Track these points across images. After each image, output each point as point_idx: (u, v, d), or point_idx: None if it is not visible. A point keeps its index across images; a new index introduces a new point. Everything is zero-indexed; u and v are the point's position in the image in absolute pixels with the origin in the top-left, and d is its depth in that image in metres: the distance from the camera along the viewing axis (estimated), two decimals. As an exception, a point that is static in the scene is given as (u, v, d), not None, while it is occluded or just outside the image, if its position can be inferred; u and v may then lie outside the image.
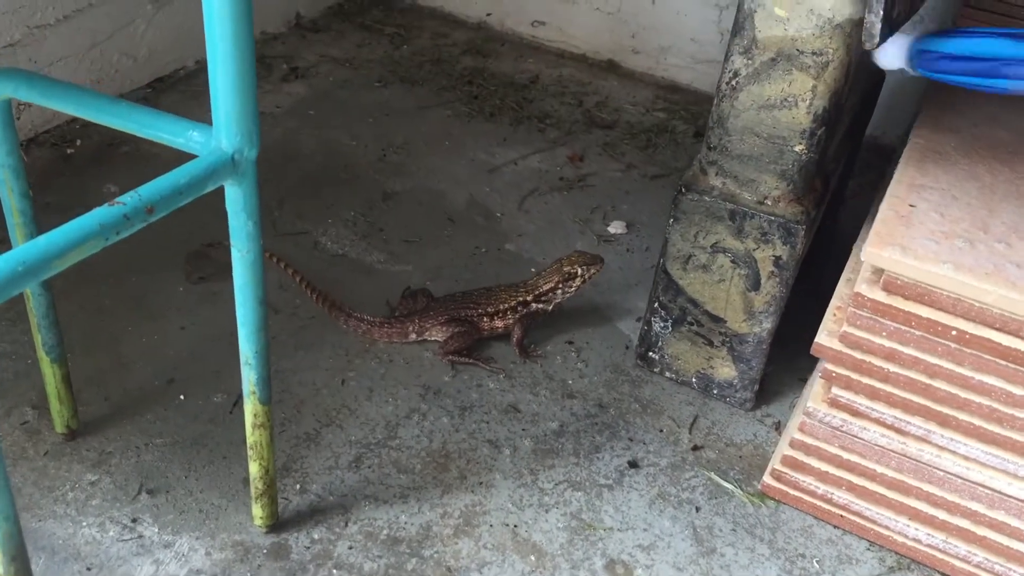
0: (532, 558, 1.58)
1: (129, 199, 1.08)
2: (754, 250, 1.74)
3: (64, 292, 1.96)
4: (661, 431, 1.85)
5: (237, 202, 1.23)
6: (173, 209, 1.13)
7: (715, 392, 1.90)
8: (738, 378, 1.87)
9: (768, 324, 1.80)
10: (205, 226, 2.18)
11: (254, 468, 1.49)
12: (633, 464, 1.77)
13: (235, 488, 1.64)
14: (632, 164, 2.71)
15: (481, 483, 1.70)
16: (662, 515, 1.68)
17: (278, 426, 1.76)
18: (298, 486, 1.65)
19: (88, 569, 1.48)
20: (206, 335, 1.94)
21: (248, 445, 1.47)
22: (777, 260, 1.73)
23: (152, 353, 1.88)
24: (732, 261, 1.76)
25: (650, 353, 1.92)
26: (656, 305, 1.87)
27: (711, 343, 1.85)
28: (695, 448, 1.81)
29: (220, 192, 1.24)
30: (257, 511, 1.54)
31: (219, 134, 1.18)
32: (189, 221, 2.08)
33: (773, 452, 1.81)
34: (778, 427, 1.88)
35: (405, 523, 1.61)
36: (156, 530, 1.55)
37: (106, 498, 1.59)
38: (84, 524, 1.54)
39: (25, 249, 0.99)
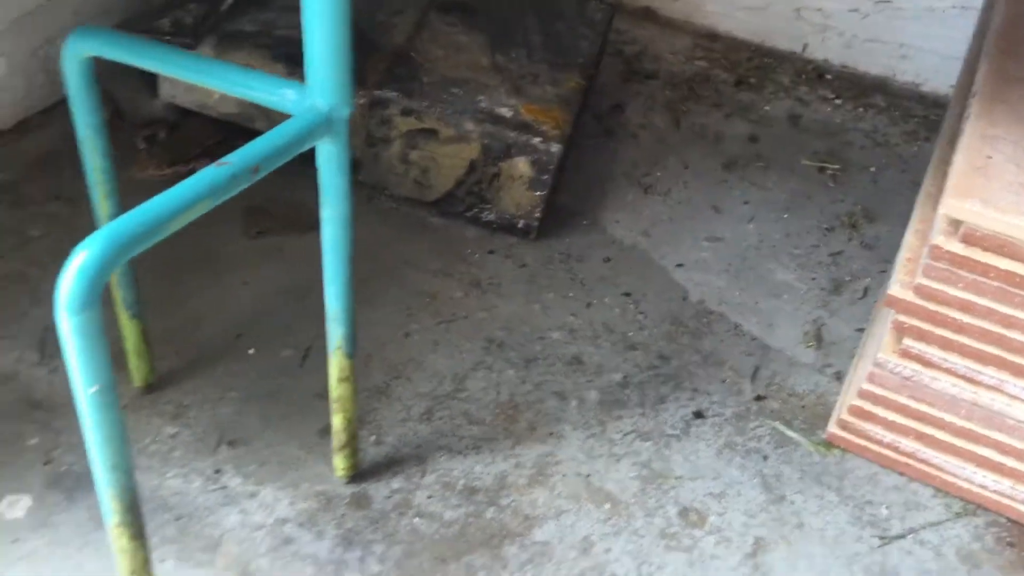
0: (607, 506, 1.61)
1: (235, 159, 1.09)
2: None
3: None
4: (723, 382, 1.87)
5: (331, 161, 1.23)
6: (274, 168, 1.14)
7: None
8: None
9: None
10: (258, 185, 2.19)
11: (337, 421, 1.51)
12: (698, 414, 1.80)
13: (312, 440, 1.67)
14: (674, 115, 2.70)
15: (551, 434, 1.73)
16: (730, 464, 1.71)
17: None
18: (373, 438, 1.68)
19: (177, 519, 1.51)
20: (269, 290, 1.96)
21: (331, 399, 1.49)
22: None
23: (218, 308, 1.90)
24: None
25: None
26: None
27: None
28: (758, 398, 1.84)
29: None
30: (339, 462, 1.57)
31: (314, 93, 1.18)
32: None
33: (835, 402, 1.83)
34: (839, 377, 1.90)
35: (480, 473, 1.65)
36: (239, 480, 1.58)
37: (188, 450, 1.62)
38: (169, 475, 1.58)
39: (143, 210, 1.01)
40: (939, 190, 1.76)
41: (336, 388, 1.47)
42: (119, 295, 1.56)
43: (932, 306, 1.53)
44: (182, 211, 1.02)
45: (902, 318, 1.57)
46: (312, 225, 2.16)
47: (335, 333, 1.41)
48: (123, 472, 1.11)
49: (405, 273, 2.03)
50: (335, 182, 1.25)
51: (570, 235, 2.21)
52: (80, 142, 1.38)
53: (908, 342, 1.58)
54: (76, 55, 1.29)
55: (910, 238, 1.69)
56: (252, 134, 2.20)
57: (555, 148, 2.04)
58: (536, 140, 2.04)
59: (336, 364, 1.44)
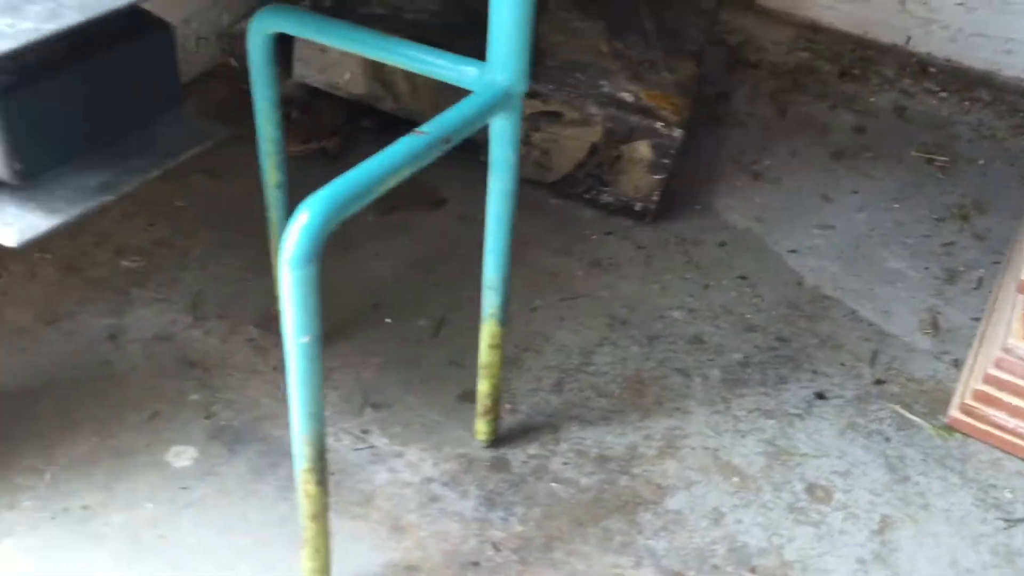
0: (735, 479, 1.67)
1: (430, 129, 1.16)
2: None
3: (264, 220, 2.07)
4: (843, 365, 1.91)
5: (504, 135, 1.30)
6: (461, 140, 1.21)
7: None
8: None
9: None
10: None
11: (483, 386, 1.59)
12: (820, 395, 1.84)
13: (450, 405, 1.75)
14: (779, 105, 2.73)
15: (677, 409, 1.79)
16: (853, 444, 1.75)
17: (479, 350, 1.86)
18: (508, 406, 1.75)
19: (331, 475, 1.60)
20: (399, 263, 2.04)
21: (480, 364, 1.57)
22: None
23: (354, 280, 1.98)
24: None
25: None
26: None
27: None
28: (878, 382, 1.87)
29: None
30: (481, 426, 1.64)
31: (494, 69, 1.25)
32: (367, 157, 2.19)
33: (954, 388, 1.86)
34: (957, 364, 1.93)
35: (611, 443, 1.71)
36: (386, 441, 1.67)
37: (336, 410, 1.71)
38: (320, 434, 1.67)
39: (355, 174, 1.08)
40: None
41: (485, 354, 1.54)
42: (276, 263, 1.65)
43: (1068, 293, 1.56)
44: (388, 175, 1.09)
45: (1036, 305, 1.60)
46: (437, 203, 2.26)
47: (491, 301, 1.48)
48: (317, 421, 1.19)
49: (527, 252, 2.09)
50: (506, 155, 1.32)
51: (684, 219, 2.26)
52: (256, 113, 1.47)
53: (1041, 329, 1.61)
54: (261, 31, 1.38)
55: (1041, 227, 1.71)
56: (379, 113, 2.32)
57: (677, 133, 2.09)
58: (659, 125, 2.09)
59: (488, 331, 1.51)
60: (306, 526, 1.30)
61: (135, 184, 1.09)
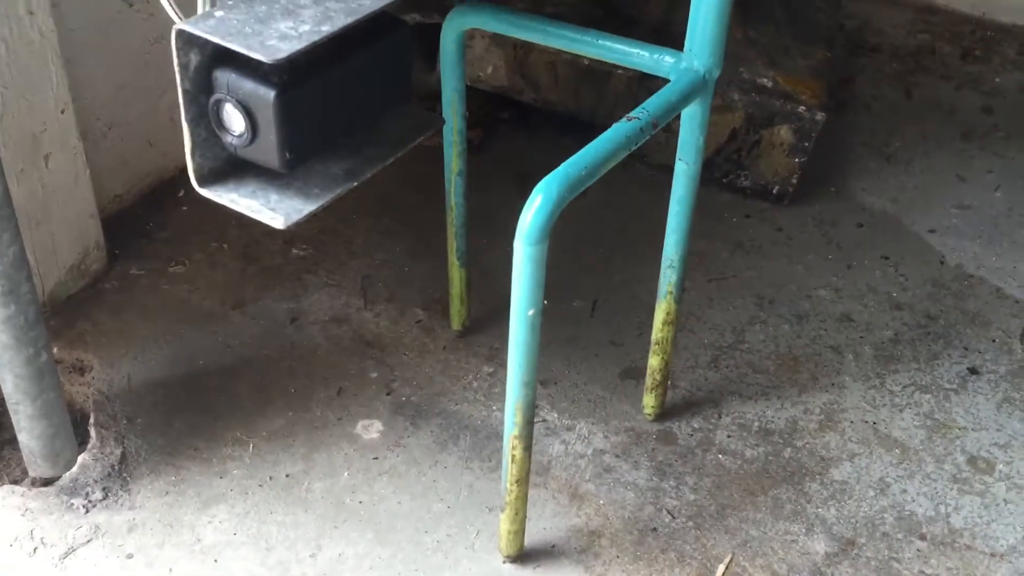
0: (897, 451, 1.71)
1: (640, 115, 1.23)
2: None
3: (416, 209, 2.18)
4: (993, 341, 1.94)
5: (695, 119, 1.37)
6: (665, 123, 1.28)
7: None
8: None
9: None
10: (526, 151, 2.36)
11: (655, 361, 1.66)
12: (973, 371, 1.87)
13: (613, 382, 1.82)
14: (904, 87, 2.74)
15: (833, 384, 1.84)
16: (1011, 417, 1.78)
17: (635, 330, 1.93)
18: (668, 383, 1.82)
19: (508, 446, 1.69)
20: (549, 248, 2.11)
21: (653, 340, 1.64)
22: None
23: (506, 264, 2.06)
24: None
25: None
26: None
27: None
28: (1030, 357, 1.90)
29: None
30: (648, 400, 1.71)
31: (691, 57, 1.32)
32: (509, 146, 2.30)
33: (1108, 363, 1.88)
34: (1109, 340, 1.95)
35: (772, 417, 1.77)
36: (556, 415, 1.75)
37: (505, 386, 1.80)
38: (495, 408, 1.76)
39: (579, 159, 1.16)
40: None
41: (660, 330, 1.61)
42: (453, 245, 1.75)
43: None
44: (608, 158, 1.17)
45: None
46: (581, 192, 2.33)
47: (668, 279, 1.56)
48: (531, 389, 1.28)
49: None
50: (695, 139, 1.38)
51: (819, 201, 2.30)
52: (444, 104, 1.56)
53: None
54: (456, 27, 1.47)
55: None
56: (516, 105, 2.40)
57: (819, 116, 2.13)
58: (801, 108, 2.14)
59: (664, 308, 1.58)
60: (509, 490, 1.39)
61: (374, 171, 1.19)
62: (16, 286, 1.30)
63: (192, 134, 1.11)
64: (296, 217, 1.10)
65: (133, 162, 2.11)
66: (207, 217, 2.16)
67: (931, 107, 2.67)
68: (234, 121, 1.08)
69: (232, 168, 1.15)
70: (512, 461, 1.35)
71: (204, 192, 1.14)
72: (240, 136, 1.09)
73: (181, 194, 2.20)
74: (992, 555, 1.56)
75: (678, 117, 1.37)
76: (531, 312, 1.19)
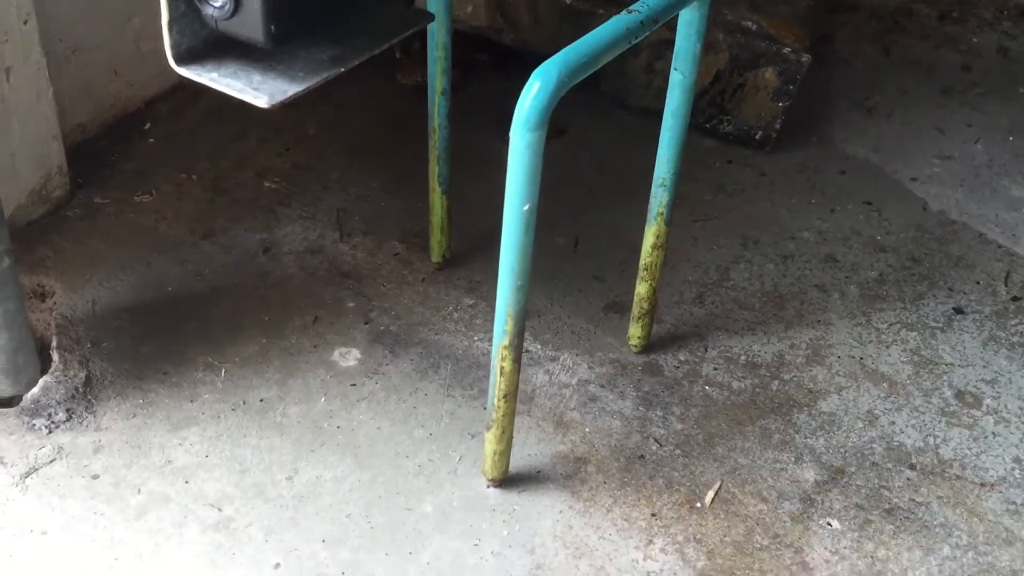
0: (884, 385, 1.69)
1: (640, 8, 1.19)
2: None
3: (392, 147, 2.12)
4: (977, 283, 1.92)
5: (692, 26, 1.33)
6: (665, 21, 1.24)
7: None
8: None
9: None
10: (505, 92, 2.31)
11: (642, 288, 1.62)
12: (959, 310, 1.86)
13: (597, 315, 1.78)
14: (882, 45, 2.73)
15: (819, 321, 1.81)
16: (997, 355, 1.77)
17: (617, 266, 1.89)
18: (655, 313, 1.78)
19: (489, 375, 1.64)
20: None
21: (641, 267, 1.60)
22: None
23: (489, 201, 2.00)
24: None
25: None
26: None
27: None
28: (1015, 299, 1.89)
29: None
30: (635, 330, 1.67)
31: (690, -43, 1.27)
32: (488, 87, 2.24)
33: (1091, 304, 1.88)
34: (1091, 283, 1.94)
35: (758, 351, 1.74)
36: (539, 347, 1.70)
37: (487, 318, 1.75)
38: (476, 339, 1.70)
39: (579, 47, 1.11)
40: None
41: (648, 255, 1.57)
42: (435, 170, 1.69)
43: None
44: (607, 49, 1.12)
45: None
46: (559, 132, 2.29)
47: (659, 199, 1.51)
48: (523, 294, 1.23)
49: (652, 176, 2.12)
50: (691, 47, 1.34)
51: (802, 149, 2.27)
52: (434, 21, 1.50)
53: None
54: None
55: None
56: (496, 47, 2.35)
57: (804, 58, 2.11)
58: (786, 50, 2.11)
59: (653, 231, 1.54)
60: (496, 406, 1.34)
61: (360, 59, 1.13)
62: (-23, 180, 1.22)
63: (170, 7, 1.05)
64: (280, 98, 1.04)
65: (97, 90, 2.02)
66: (175, 150, 2.09)
67: (910, 64, 2.66)
68: (217, -11, 1.02)
69: (212, 49, 1.09)
70: (501, 374, 1.30)
71: (182, 71, 1.08)
72: (222, 7, 1.02)
73: (147, 127, 2.11)
74: (982, 485, 1.54)
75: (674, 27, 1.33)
76: (526, 207, 1.14)
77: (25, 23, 1.67)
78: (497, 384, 1.31)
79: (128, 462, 1.43)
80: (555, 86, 1.06)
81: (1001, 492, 1.53)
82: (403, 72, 2.31)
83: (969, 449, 1.59)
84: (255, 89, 1.05)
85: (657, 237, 1.54)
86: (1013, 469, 1.57)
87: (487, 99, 2.30)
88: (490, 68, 2.41)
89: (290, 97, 1.06)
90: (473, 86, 2.36)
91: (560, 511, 1.44)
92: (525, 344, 1.69)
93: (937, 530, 1.46)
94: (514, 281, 1.21)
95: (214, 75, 1.07)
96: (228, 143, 2.09)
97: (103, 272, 1.75)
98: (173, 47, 1.06)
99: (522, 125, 1.06)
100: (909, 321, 1.83)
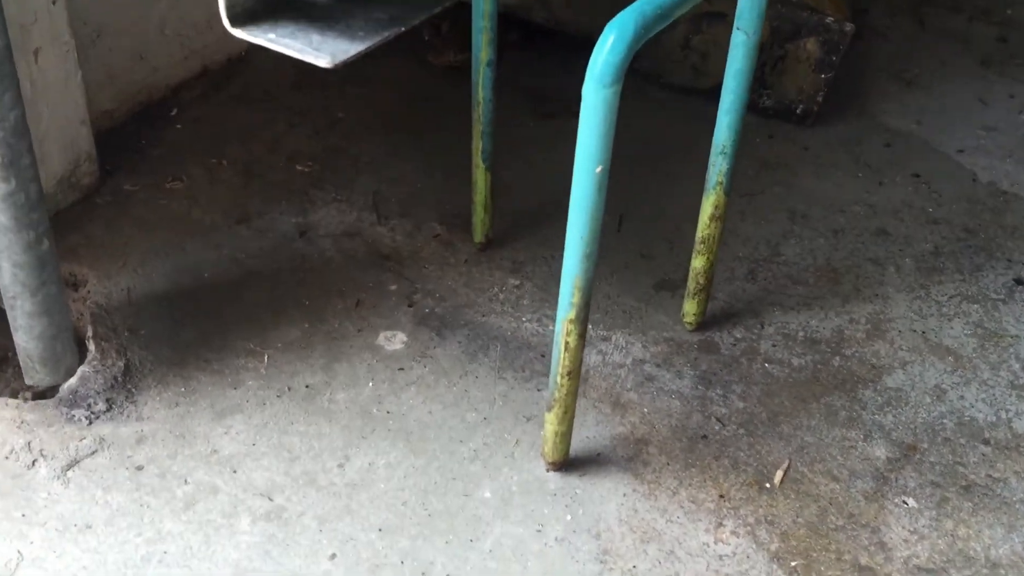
0: (950, 359, 1.63)
1: (710, -41, 1.13)
2: None
3: (424, 129, 2.07)
4: (1035, 253, 1.87)
5: (755, -17, 1.27)
6: (731, -25, 1.18)
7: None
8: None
9: None
10: (537, 72, 2.26)
11: (699, 262, 1.56)
12: (1020, 281, 1.79)
13: (647, 294, 1.72)
14: (917, 18, 2.67)
15: (876, 295, 1.75)
16: (1062, 325, 1.71)
17: (664, 243, 1.83)
18: (711, 288, 1.72)
19: (542, 356, 1.58)
20: (567, 164, 2.00)
21: (698, 239, 1.54)
22: None
23: (527, 181, 1.96)
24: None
25: None
26: None
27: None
28: (1075, 268, 1.83)
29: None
30: (690, 307, 1.61)
31: (755, -92, 1.22)
32: (519, 67, 2.19)
33: None
34: None
35: (817, 327, 1.68)
36: (590, 327, 1.64)
37: (534, 299, 1.69)
38: (524, 319, 1.64)
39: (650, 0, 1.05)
40: None
41: (706, 227, 1.51)
42: (479, 145, 1.63)
43: None
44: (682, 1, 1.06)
45: None
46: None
47: (718, 167, 1.46)
48: (592, 262, 1.17)
49: (693, 154, 2.05)
50: (756, 6, 1.28)
51: (843, 123, 2.21)
52: (477, -13, 1.45)
53: None
54: None
55: None
56: (526, 26, 2.29)
57: (848, 28, 2.04)
58: (829, 20, 2.05)
59: (712, 201, 1.48)
60: (559, 384, 1.28)
61: (420, 19, 1.08)
62: (17, 157, 1.16)
63: (223, -38, 0.99)
64: (343, 57, 0.99)
65: (123, 76, 1.96)
66: (204, 135, 2.03)
67: (946, 37, 2.59)
68: (274, -61, 0.97)
69: (268, 8, 1.03)
70: (565, 350, 1.24)
71: (238, 33, 1.02)
72: (279, -41, 0.97)
73: (174, 112, 2.05)
74: (1058, 459, 1.49)
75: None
76: (599, 169, 1.08)
77: (54, 3, 1.61)
78: (561, 360, 1.25)
79: (173, 452, 1.38)
80: (632, 38, 1.00)
81: (1080, 466, 1.47)
82: (433, 52, 2.25)
83: (1043, 422, 1.54)
84: (316, 49, 1.00)
85: (716, 208, 1.48)
86: (1090, 442, 1.51)
87: (519, 78, 2.24)
88: (520, 47, 2.35)
89: (352, 56, 1.00)
90: (504, 67, 2.29)
91: (624, 494, 1.38)
92: (575, 324, 1.64)
93: (1018, 506, 1.40)
94: (583, 249, 1.15)
95: (272, 35, 1.01)
96: (257, 127, 2.03)
97: (137, 259, 1.69)
98: (229, 7, 1.01)
99: (596, 80, 1.00)
100: (969, 293, 1.76)
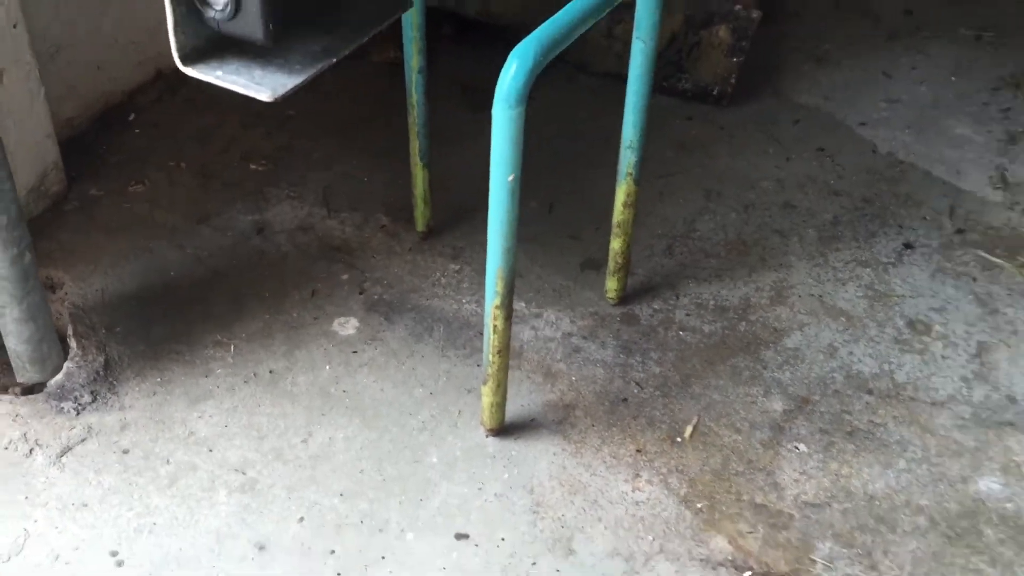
0: (842, 319, 1.83)
1: (603, -11, 1.29)
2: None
3: (371, 125, 2.22)
4: (925, 219, 2.07)
5: (649, -2, 1.44)
6: None
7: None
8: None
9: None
10: (471, 64, 2.41)
11: (616, 244, 1.74)
12: (908, 245, 2.00)
13: (575, 272, 1.91)
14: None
15: (780, 264, 1.95)
16: (944, 285, 1.92)
17: (591, 225, 2.01)
18: (629, 266, 1.90)
19: (480, 334, 1.76)
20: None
21: (614, 223, 1.72)
22: None
23: (463, 172, 2.12)
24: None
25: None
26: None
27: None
28: (959, 231, 2.03)
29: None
30: (611, 284, 1.80)
31: (644, -63, 1.38)
32: (454, 60, 2.34)
33: (1029, 232, 2.03)
34: (1028, 212, 2.09)
35: (726, 296, 1.87)
36: (523, 305, 1.83)
37: (472, 282, 1.87)
38: (464, 301, 1.82)
39: (551, 26, 1.22)
40: None
41: (620, 213, 1.69)
42: (416, 145, 1.79)
43: None
44: (579, 23, 1.23)
45: (1114, 140, 1.75)
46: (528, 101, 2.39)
47: (627, 160, 1.63)
48: (511, 255, 1.35)
49: (617, 138, 2.24)
50: (651, 17, 1.45)
51: (757, 102, 2.40)
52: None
53: (1117, 162, 1.77)
54: (412, -77, 1.50)
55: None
56: (459, 20, 2.44)
57: (755, 15, 2.22)
58: (737, 8, 2.22)
59: (624, 190, 1.66)
60: (491, 361, 1.47)
61: (350, 48, 1.23)
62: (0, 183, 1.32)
63: (175, 11, 1.14)
64: (282, 91, 1.15)
65: (82, 86, 2.10)
66: (161, 139, 2.17)
67: (857, 13, 2.78)
68: (218, -5, 1.12)
69: (214, 47, 1.19)
70: (494, 331, 1.43)
71: (188, 71, 1.17)
72: (223, 9, 1.12)
73: (132, 118, 2.20)
74: (933, 404, 1.69)
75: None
76: (511, 177, 1.25)
77: (15, 27, 1.75)
78: (491, 341, 1.44)
79: (154, 436, 1.55)
80: (532, 65, 1.17)
81: (950, 409, 1.68)
82: (376, 50, 2.40)
83: (921, 372, 1.75)
84: (258, 84, 1.15)
85: (628, 195, 1.67)
86: (961, 388, 1.72)
87: (453, 71, 2.39)
88: (455, 40, 2.50)
89: (290, 90, 1.16)
90: (438, 60, 2.45)
91: (554, 453, 1.58)
92: (510, 303, 1.82)
93: (894, 447, 1.62)
94: (502, 244, 1.33)
95: (219, 73, 1.16)
96: (212, 128, 2.18)
97: (107, 261, 1.84)
98: (179, 49, 1.16)
99: (503, 102, 1.17)
100: (863, 259, 1.97)
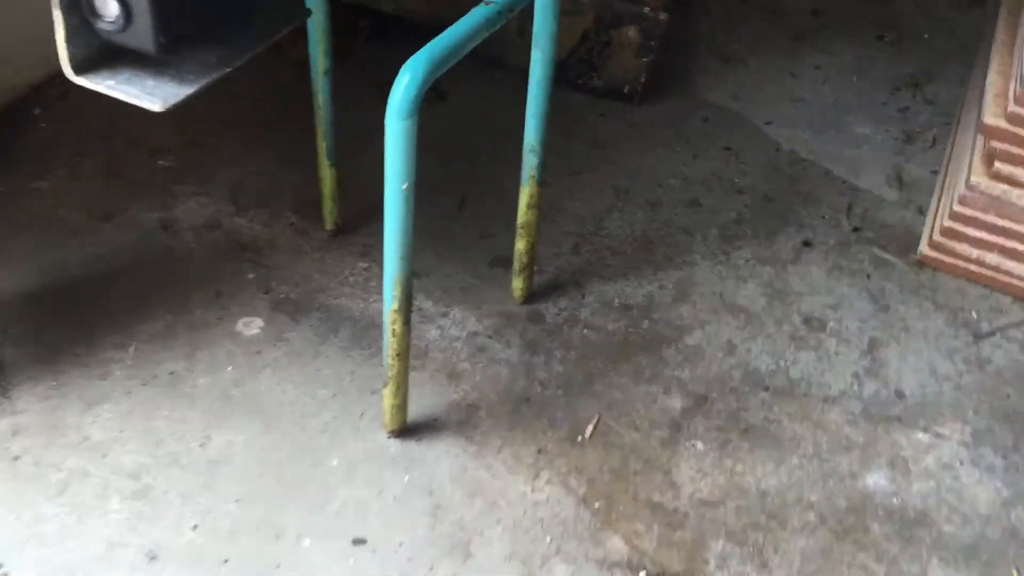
0: (742, 317, 1.88)
1: (496, 1, 1.31)
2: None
3: (282, 121, 2.20)
4: (823, 217, 2.13)
5: (548, 7, 1.45)
6: (519, 8, 1.36)
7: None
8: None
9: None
10: (387, 61, 2.39)
11: (521, 244, 1.76)
12: (807, 243, 2.06)
13: (483, 271, 1.92)
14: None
15: (684, 262, 1.99)
16: (839, 282, 1.98)
17: (502, 222, 2.03)
18: (535, 268, 1.93)
19: (387, 334, 1.77)
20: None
21: (519, 224, 1.74)
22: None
23: (374, 168, 2.09)
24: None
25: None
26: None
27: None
28: (855, 230, 2.10)
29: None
30: (517, 284, 1.82)
31: (539, -54, 1.40)
32: (369, 56, 2.33)
33: (921, 231, 2.10)
34: (921, 211, 2.16)
35: (631, 294, 1.91)
36: (430, 304, 1.84)
37: (381, 280, 1.85)
38: (372, 300, 1.83)
39: (443, 39, 1.23)
40: (1012, 36, 2.00)
41: (524, 214, 1.71)
42: (323, 145, 1.79)
43: (1022, 131, 1.79)
44: (468, 39, 1.25)
45: (996, 144, 1.82)
46: (440, 97, 2.39)
47: (530, 163, 1.65)
48: (408, 263, 1.36)
49: (528, 135, 2.26)
50: (547, 25, 1.47)
51: (667, 100, 2.44)
52: (311, 3, 1.59)
53: (999, 165, 1.84)
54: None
55: (993, 78, 1.93)
56: (376, 15, 2.43)
57: (662, 16, 2.26)
58: (645, 10, 2.25)
59: (527, 192, 1.68)
60: (390, 364, 1.48)
61: (246, 58, 1.23)
62: None
63: (65, 22, 1.12)
64: (173, 101, 1.14)
65: (-16, 80, 2.04)
66: (67, 134, 2.12)
67: (764, 11, 2.84)
68: (108, 6, 1.10)
69: (106, 56, 1.17)
70: (393, 335, 1.44)
71: (79, 80, 1.16)
72: (114, 22, 1.11)
73: (37, 112, 2.14)
74: (825, 400, 1.76)
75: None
76: (404, 186, 1.26)
77: (-99, 20, 1.69)
78: (390, 345, 1.45)
79: (46, 442, 1.53)
80: (423, 78, 1.18)
81: (841, 405, 1.75)
82: (290, 48, 2.37)
83: (815, 368, 1.81)
84: (149, 94, 1.14)
85: (531, 197, 1.69)
86: (852, 384, 1.79)
87: (368, 67, 2.38)
88: (371, 36, 2.49)
89: (182, 100, 1.15)
90: (354, 55, 2.44)
91: (455, 455, 1.59)
92: (417, 302, 1.83)
93: (787, 443, 1.67)
94: (399, 251, 1.34)
95: (110, 82, 1.15)
96: (118, 124, 2.14)
97: (4, 259, 1.80)
98: (70, 59, 1.14)
99: (396, 113, 1.18)
100: (763, 257, 2.03)
